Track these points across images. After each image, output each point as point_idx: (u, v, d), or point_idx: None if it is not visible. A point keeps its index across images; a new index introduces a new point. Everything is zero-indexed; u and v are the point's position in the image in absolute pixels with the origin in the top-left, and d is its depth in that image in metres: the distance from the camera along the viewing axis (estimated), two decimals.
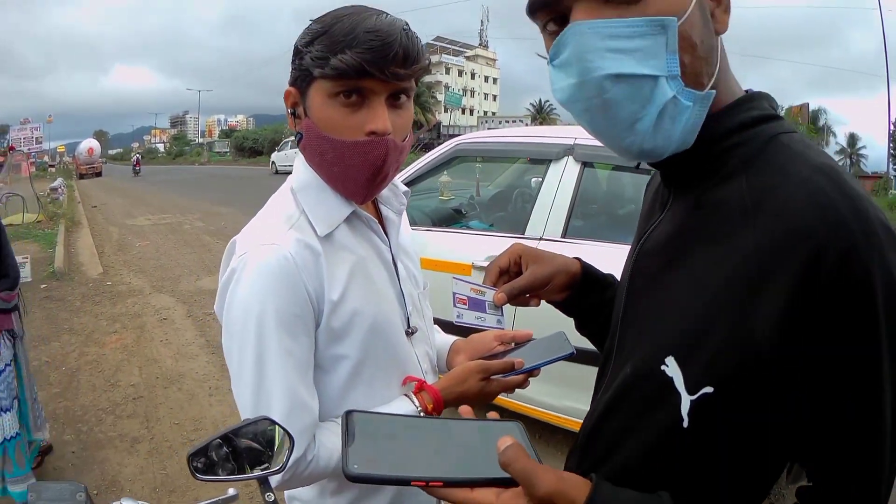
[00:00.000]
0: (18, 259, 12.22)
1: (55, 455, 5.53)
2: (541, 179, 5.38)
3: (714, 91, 1.06)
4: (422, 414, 1.70)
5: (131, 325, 9.52)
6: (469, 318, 1.67)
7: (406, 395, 1.77)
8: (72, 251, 16.05)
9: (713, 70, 1.07)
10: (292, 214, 1.66)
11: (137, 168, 66.80)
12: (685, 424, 1.03)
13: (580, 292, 1.62)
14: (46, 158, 78.36)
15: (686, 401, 1.03)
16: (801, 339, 0.92)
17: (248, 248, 1.57)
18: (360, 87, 1.52)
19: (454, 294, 1.68)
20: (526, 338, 1.87)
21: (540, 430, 5.43)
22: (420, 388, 1.77)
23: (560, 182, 5.05)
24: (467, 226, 5.93)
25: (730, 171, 1.08)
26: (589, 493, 0.96)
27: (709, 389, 1.00)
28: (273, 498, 1.35)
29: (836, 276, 0.90)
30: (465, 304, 1.66)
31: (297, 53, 1.59)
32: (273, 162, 55.79)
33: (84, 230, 20.16)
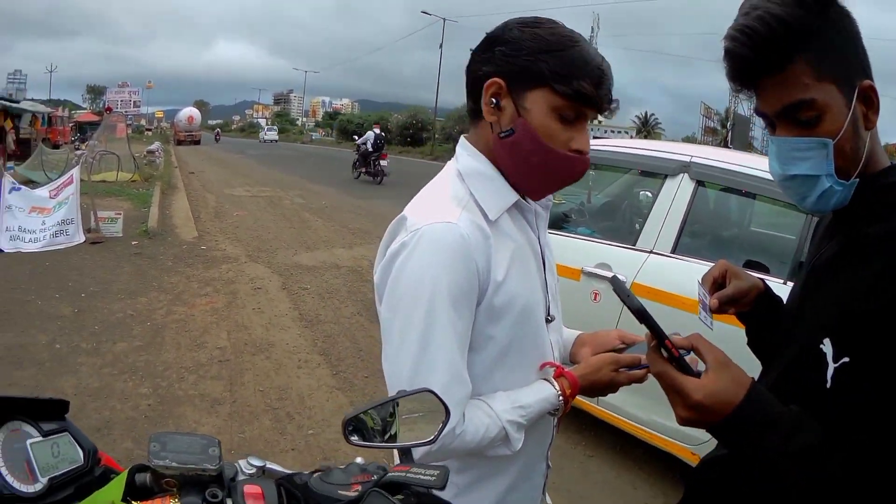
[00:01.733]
0: (110, 214, 12.58)
1: (129, 405, 5.65)
2: (653, 193, 5.42)
3: (857, 180, 1.47)
4: (560, 398, 1.82)
5: (224, 291, 9.70)
6: (700, 315, 1.89)
7: (545, 379, 1.85)
8: (166, 213, 16.49)
9: (859, 164, 1.46)
10: (462, 197, 1.75)
11: (218, 138, 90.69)
12: (828, 385, 1.40)
13: (762, 307, 1.91)
14: (143, 122, 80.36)
15: (831, 368, 1.39)
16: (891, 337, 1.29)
17: (421, 224, 1.65)
18: (583, 111, 1.70)
19: (698, 294, 1.92)
20: (640, 341, 1.95)
21: (622, 441, 5.40)
22: (560, 373, 1.86)
23: (675, 198, 5.06)
24: (574, 231, 5.95)
25: (878, 218, 1.47)
26: (752, 378, 1.42)
27: (846, 359, 1.37)
28: None
29: None
30: (699, 303, 1.89)
31: (520, 51, 1.68)
32: (260, 136, 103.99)
33: (180, 194, 20.69)
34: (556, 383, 1.83)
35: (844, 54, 1.44)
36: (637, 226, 5.33)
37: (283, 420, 5.63)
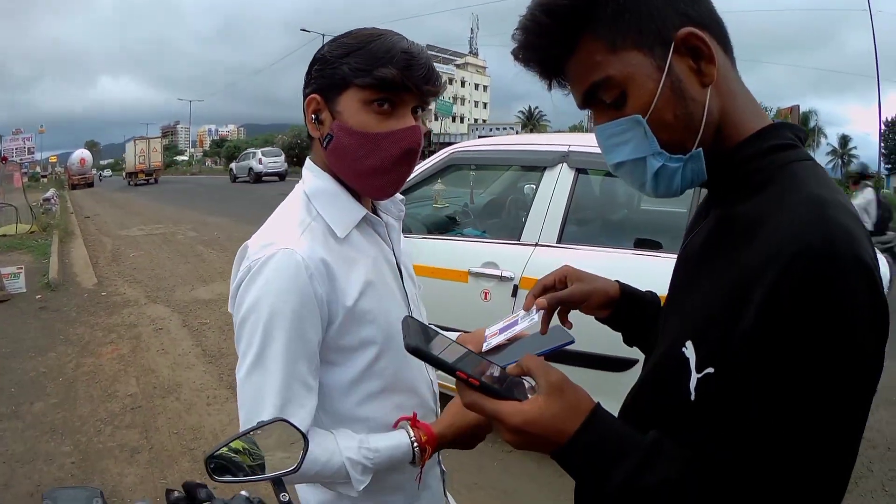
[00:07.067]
0: (12, 269, 12.25)
1: (55, 466, 5.53)
2: (535, 187, 5.43)
3: (700, 150, 1.26)
4: (416, 446, 1.77)
5: (127, 336, 9.51)
6: (500, 339, 1.82)
7: (403, 427, 1.82)
8: (66, 262, 16.01)
9: (696, 131, 1.25)
10: (304, 220, 1.75)
11: (101, 178, 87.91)
12: (692, 398, 1.20)
13: (621, 310, 1.79)
14: (38, 169, 78.20)
15: (693, 378, 1.20)
16: (763, 347, 1.05)
17: (262, 252, 1.64)
18: (395, 97, 1.69)
19: (486, 335, 1.87)
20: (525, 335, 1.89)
21: None
22: (413, 423, 1.82)
23: (555, 189, 5.11)
24: (461, 233, 5.98)
25: (747, 193, 1.25)
26: (595, 405, 1.21)
27: (710, 370, 1.16)
28: (287, 498, 1.38)
29: (795, 298, 1.02)
30: (495, 335, 1.84)
31: (327, 63, 1.72)
32: (231, 170, 59.46)
33: (77, 241, 20.11)
34: (411, 431, 1.79)
35: (647, 9, 1.23)
36: (522, 221, 5.34)
37: (201, 460, 5.43)
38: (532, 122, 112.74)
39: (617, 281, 1.82)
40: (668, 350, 1.31)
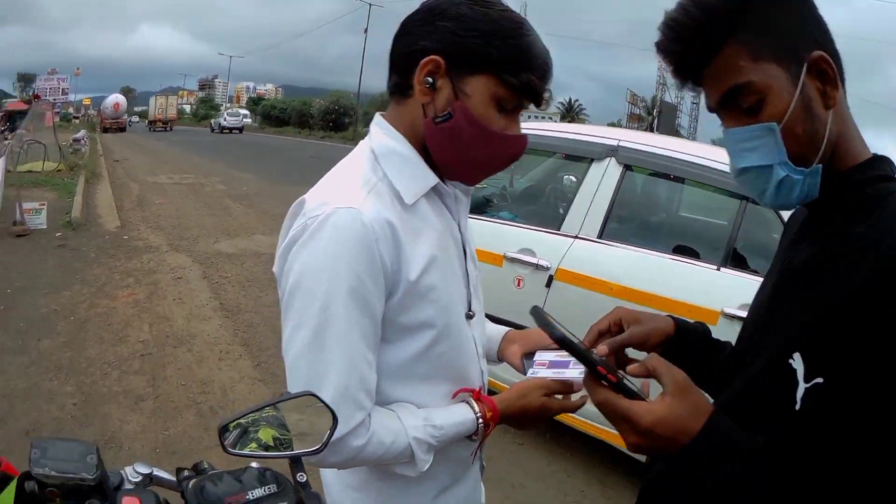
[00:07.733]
0: (35, 205, 12.28)
1: (55, 405, 5.48)
2: (578, 178, 5.35)
3: (821, 166, 1.34)
4: (480, 422, 1.72)
5: (145, 281, 9.51)
6: (546, 373, 1.78)
7: (465, 400, 1.76)
8: (90, 203, 16.16)
9: (819, 147, 1.33)
10: (371, 179, 1.60)
11: (130, 124, 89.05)
12: (797, 408, 1.24)
13: (673, 346, 1.76)
14: (71, 110, 79.50)
15: (801, 388, 1.23)
16: (877, 355, 1.12)
17: (322, 209, 1.49)
18: (523, 102, 1.62)
19: (535, 361, 1.84)
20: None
21: (550, 428, 5.39)
22: (477, 396, 1.77)
23: (601, 182, 5.01)
24: (496, 216, 5.86)
25: (857, 217, 1.31)
26: (715, 405, 1.29)
27: (820, 380, 1.21)
28: (305, 479, 1.27)
29: None
30: (544, 365, 1.80)
31: (467, 29, 1.53)
32: (210, 123, 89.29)
33: (104, 183, 20.33)
34: (475, 405, 1.73)
35: (787, 27, 1.32)
36: (561, 210, 5.26)
37: (207, 415, 5.51)
38: (571, 113, 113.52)
39: (670, 316, 1.83)
40: (771, 363, 1.34)
